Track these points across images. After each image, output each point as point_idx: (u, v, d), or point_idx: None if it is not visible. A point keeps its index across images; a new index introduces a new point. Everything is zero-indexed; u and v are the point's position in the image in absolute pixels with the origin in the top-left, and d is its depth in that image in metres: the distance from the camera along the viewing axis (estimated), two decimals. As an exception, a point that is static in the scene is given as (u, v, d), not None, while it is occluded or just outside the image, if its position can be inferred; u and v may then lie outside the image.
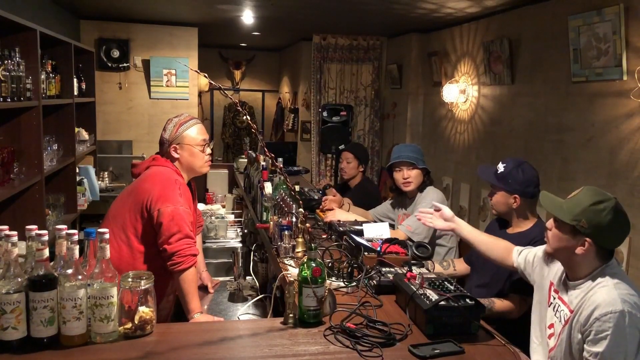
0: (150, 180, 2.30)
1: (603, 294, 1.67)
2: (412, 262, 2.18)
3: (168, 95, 6.20)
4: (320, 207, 3.34)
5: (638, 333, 1.62)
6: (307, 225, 2.36)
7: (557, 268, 1.95)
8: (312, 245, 1.82)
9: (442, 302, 1.63)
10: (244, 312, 2.41)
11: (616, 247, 1.78)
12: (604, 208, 1.71)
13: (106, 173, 5.57)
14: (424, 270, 2.10)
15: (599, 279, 1.73)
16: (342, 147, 5.17)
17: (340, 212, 3.17)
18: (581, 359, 1.71)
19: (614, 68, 3.22)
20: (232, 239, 3.72)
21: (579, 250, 1.76)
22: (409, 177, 3.05)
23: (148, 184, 2.29)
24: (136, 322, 1.58)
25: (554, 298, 1.90)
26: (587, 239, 1.73)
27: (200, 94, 8.13)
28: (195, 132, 2.41)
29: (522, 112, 4.31)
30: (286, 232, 2.38)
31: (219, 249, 3.54)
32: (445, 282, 1.80)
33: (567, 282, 1.85)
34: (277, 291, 2.09)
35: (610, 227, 1.72)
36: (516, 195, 2.40)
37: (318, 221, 3.10)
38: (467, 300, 1.67)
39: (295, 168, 5.17)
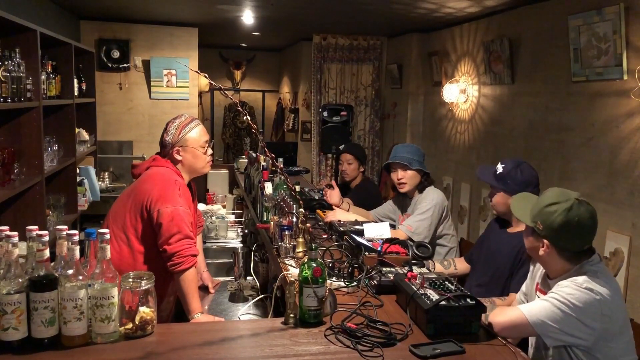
0: (150, 180, 2.30)
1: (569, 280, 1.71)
2: (413, 261, 2.19)
3: (168, 95, 6.20)
4: (323, 194, 3.38)
5: (590, 298, 1.65)
6: (308, 225, 2.36)
7: (541, 269, 1.98)
8: (313, 245, 1.81)
9: (443, 302, 1.63)
10: (245, 312, 2.41)
11: (577, 250, 1.75)
12: (556, 210, 1.72)
13: (106, 173, 5.58)
14: (424, 270, 2.10)
15: (576, 276, 1.73)
16: (341, 147, 5.17)
17: (341, 212, 3.17)
18: (556, 350, 1.74)
19: (614, 67, 3.22)
20: (232, 239, 3.72)
21: (541, 251, 1.79)
22: (402, 178, 3.05)
23: (148, 184, 2.29)
24: (137, 322, 1.58)
25: (538, 297, 1.92)
26: (545, 240, 1.76)
27: (200, 94, 8.13)
28: (198, 134, 2.41)
29: (522, 111, 4.30)
30: (287, 232, 2.38)
31: (220, 249, 3.54)
32: (446, 282, 1.80)
33: (548, 280, 1.88)
34: (278, 291, 2.09)
35: (563, 229, 1.71)
36: None
37: (318, 221, 3.10)
38: (468, 300, 1.66)
39: (296, 168, 5.16)
